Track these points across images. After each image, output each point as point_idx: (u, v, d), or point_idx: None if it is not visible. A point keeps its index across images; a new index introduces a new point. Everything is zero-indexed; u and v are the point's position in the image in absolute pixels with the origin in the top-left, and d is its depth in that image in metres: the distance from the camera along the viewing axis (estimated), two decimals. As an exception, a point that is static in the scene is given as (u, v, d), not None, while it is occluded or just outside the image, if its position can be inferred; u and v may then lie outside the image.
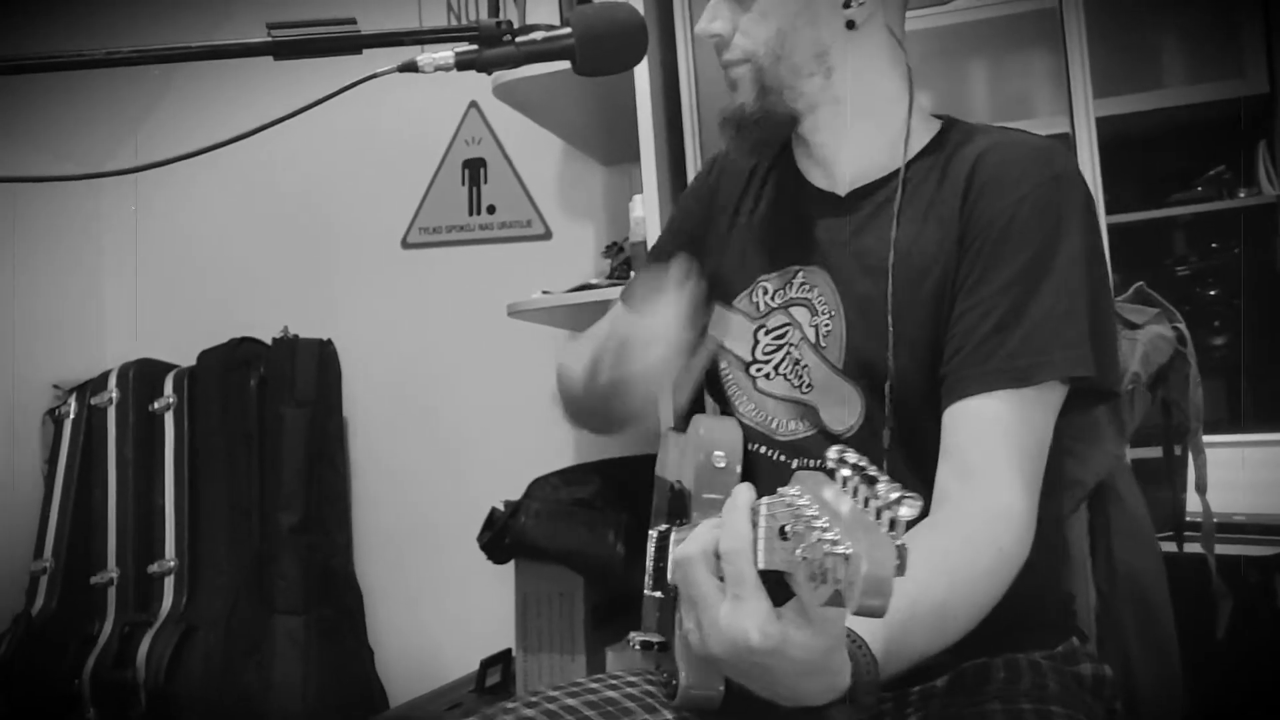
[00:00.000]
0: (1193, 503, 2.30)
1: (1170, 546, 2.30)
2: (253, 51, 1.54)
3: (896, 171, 1.90)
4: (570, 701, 1.82)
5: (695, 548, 1.26)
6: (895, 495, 1.11)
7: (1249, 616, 2.36)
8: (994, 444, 1.63)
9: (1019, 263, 1.69)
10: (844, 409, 1.82)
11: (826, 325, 1.86)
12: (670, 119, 3.48)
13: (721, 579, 1.22)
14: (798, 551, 1.12)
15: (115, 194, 5.28)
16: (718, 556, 1.23)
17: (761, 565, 1.19)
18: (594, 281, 3.81)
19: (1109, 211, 3.03)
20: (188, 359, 4.80)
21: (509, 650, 3.99)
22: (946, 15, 3.36)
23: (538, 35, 1.69)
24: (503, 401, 4.69)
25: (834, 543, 1.07)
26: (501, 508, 3.65)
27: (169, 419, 4.67)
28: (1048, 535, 1.80)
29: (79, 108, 5.10)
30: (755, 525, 1.21)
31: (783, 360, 1.92)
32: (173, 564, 4.51)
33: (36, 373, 4.89)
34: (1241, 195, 3.68)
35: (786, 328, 1.93)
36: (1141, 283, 2.25)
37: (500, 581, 3.82)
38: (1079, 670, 1.83)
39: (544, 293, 3.78)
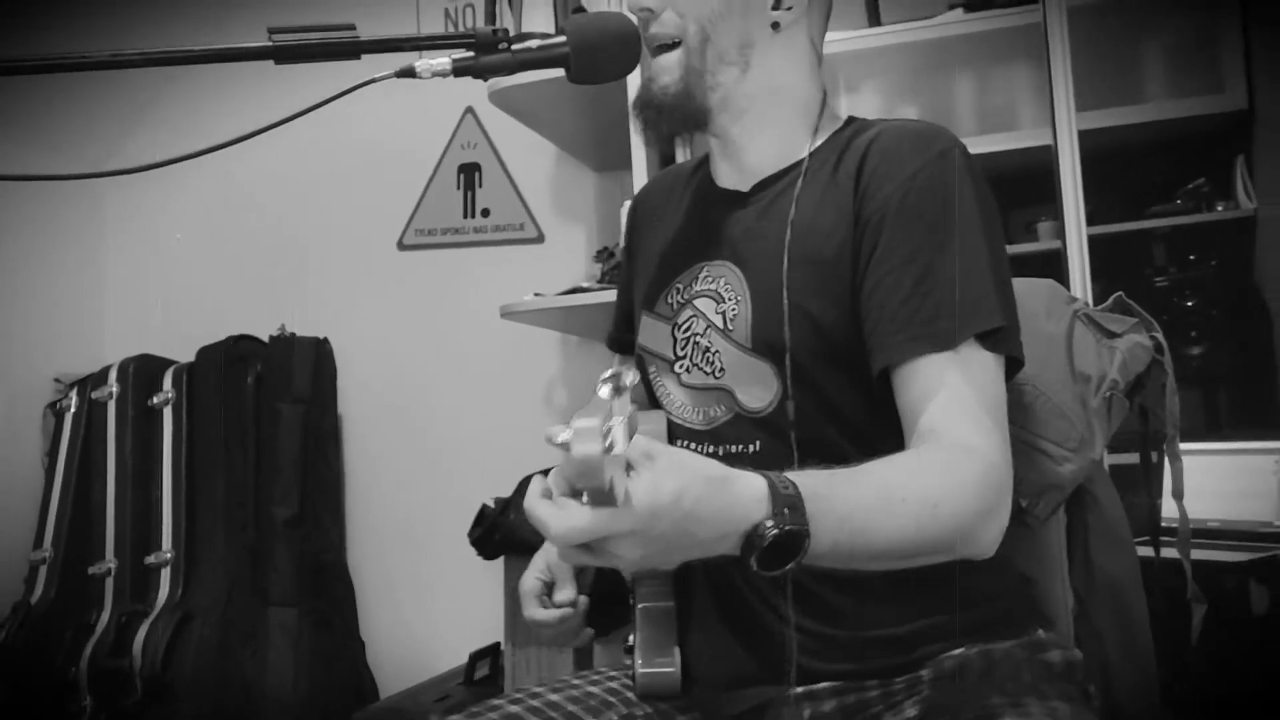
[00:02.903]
0: (1169, 508, 2.29)
1: (1147, 551, 2.30)
2: (254, 55, 1.53)
3: (798, 163, 1.91)
4: (553, 697, 1.83)
5: (533, 494, 1.31)
6: (609, 374, 1.16)
7: (1223, 622, 2.35)
8: (943, 406, 1.63)
9: (919, 234, 1.71)
10: (760, 387, 1.82)
11: (733, 310, 1.87)
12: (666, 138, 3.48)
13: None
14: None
15: (117, 192, 5.27)
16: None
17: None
18: (585, 285, 3.81)
19: (1090, 223, 3.04)
20: (187, 355, 4.80)
21: (498, 644, 3.99)
22: (932, 29, 3.37)
23: (533, 43, 1.69)
24: (495, 400, 4.69)
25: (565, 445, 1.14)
26: (492, 505, 3.65)
27: (168, 414, 4.66)
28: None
29: (81, 107, 5.10)
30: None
31: (693, 351, 1.92)
32: (169, 555, 4.51)
33: (38, 366, 4.89)
34: (1219, 209, 3.68)
35: (692, 319, 1.93)
36: (1120, 293, 2.24)
37: (490, 577, 3.82)
38: (1048, 658, 1.83)
39: (536, 295, 3.78)
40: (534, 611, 2.03)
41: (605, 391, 1.21)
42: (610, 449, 1.11)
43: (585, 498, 1.19)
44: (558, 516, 1.24)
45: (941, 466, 1.55)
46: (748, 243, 1.90)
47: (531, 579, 2.07)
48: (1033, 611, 1.93)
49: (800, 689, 1.78)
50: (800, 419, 1.77)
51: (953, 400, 1.63)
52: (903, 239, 1.72)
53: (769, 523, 1.30)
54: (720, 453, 1.86)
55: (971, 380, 1.65)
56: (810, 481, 1.36)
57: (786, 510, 1.31)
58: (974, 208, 1.73)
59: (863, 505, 1.42)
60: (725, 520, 1.30)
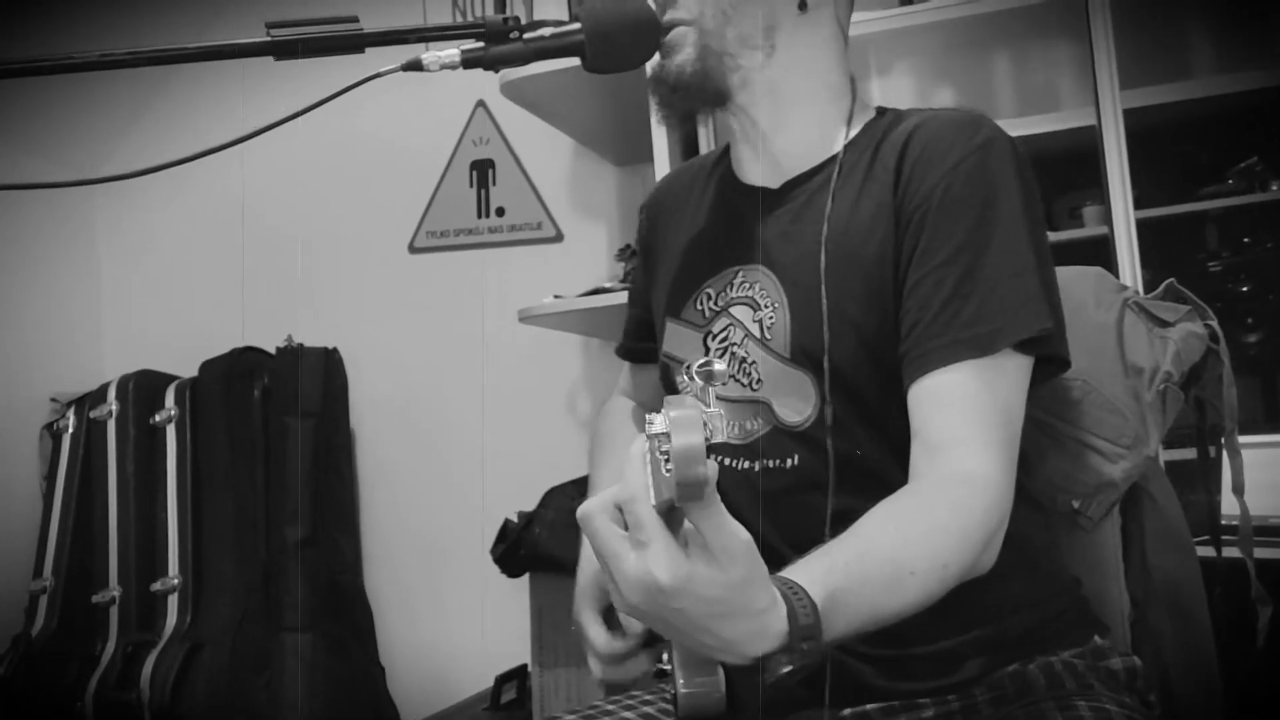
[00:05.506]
0: (1229, 505, 2.28)
1: (1207, 551, 2.29)
2: (252, 52, 1.53)
3: (831, 159, 1.91)
4: (587, 726, 1.82)
5: (596, 503, 1.27)
6: (701, 361, 1.15)
7: (1290, 623, 2.34)
8: (958, 416, 1.63)
9: (962, 231, 1.70)
10: (798, 399, 1.81)
11: (770, 318, 1.86)
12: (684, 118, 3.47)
13: (627, 530, 1.23)
14: (665, 471, 1.15)
15: (112, 199, 5.28)
16: (619, 509, 1.24)
17: (654, 502, 1.21)
18: (607, 285, 3.80)
19: (1138, 206, 3.02)
20: (189, 370, 4.79)
21: (524, 666, 3.99)
22: (971, 6, 3.35)
23: (546, 31, 1.69)
24: (514, 409, 4.69)
25: (662, 437, 1.13)
26: (515, 519, 3.65)
27: (171, 431, 4.67)
28: (1039, 527, 1.89)
29: (73, 111, 5.11)
30: (646, 468, 1.23)
31: (730, 362, 1.91)
32: (176, 581, 4.51)
33: (34, 386, 4.89)
34: (1274, 188, 3.66)
35: (728, 328, 1.92)
36: (1172, 279, 2.23)
37: (515, 595, 3.82)
38: (1110, 666, 1.84)
39: (556, 297, 3.78)
40: (594, 630, 1.90)
41: (699, 380, 1.22)
42: (710, 438, 1.11)
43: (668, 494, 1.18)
44: (642, 559, 1.21)
45: (948, 517, 1.54)
46: (783, 246, 1.89)
47: (591, 580, 1.96)
48: (1088, 617, 1.93)
49: (849, 711, 1.78)
50: (839, 432, 1.76)
51: (970, 414, 1.63)
52: (945, 237, 1.71)
53: (784, 659, 1.28)
54: (757, 467, 1.85)
55: (995, 392, 1.65)
56: (826, 583, 1.33)
57: (804, 644, 1.28)
58: (1019, 202, 1.73)
59: (872, 594, 1.41)
60: (746, 636, 1.28)
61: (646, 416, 1.21)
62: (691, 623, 1.23)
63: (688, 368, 1.23)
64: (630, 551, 1.21)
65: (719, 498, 1.18)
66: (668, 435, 1.12)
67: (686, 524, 1.22)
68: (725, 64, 1.88)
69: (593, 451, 2.31)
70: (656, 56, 1.91)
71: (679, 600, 1.20)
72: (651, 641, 1.87)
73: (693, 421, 1.11)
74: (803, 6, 1.91)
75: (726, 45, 1.88)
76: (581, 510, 1.28)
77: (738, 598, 1.22)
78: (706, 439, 1.11)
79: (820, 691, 1.73)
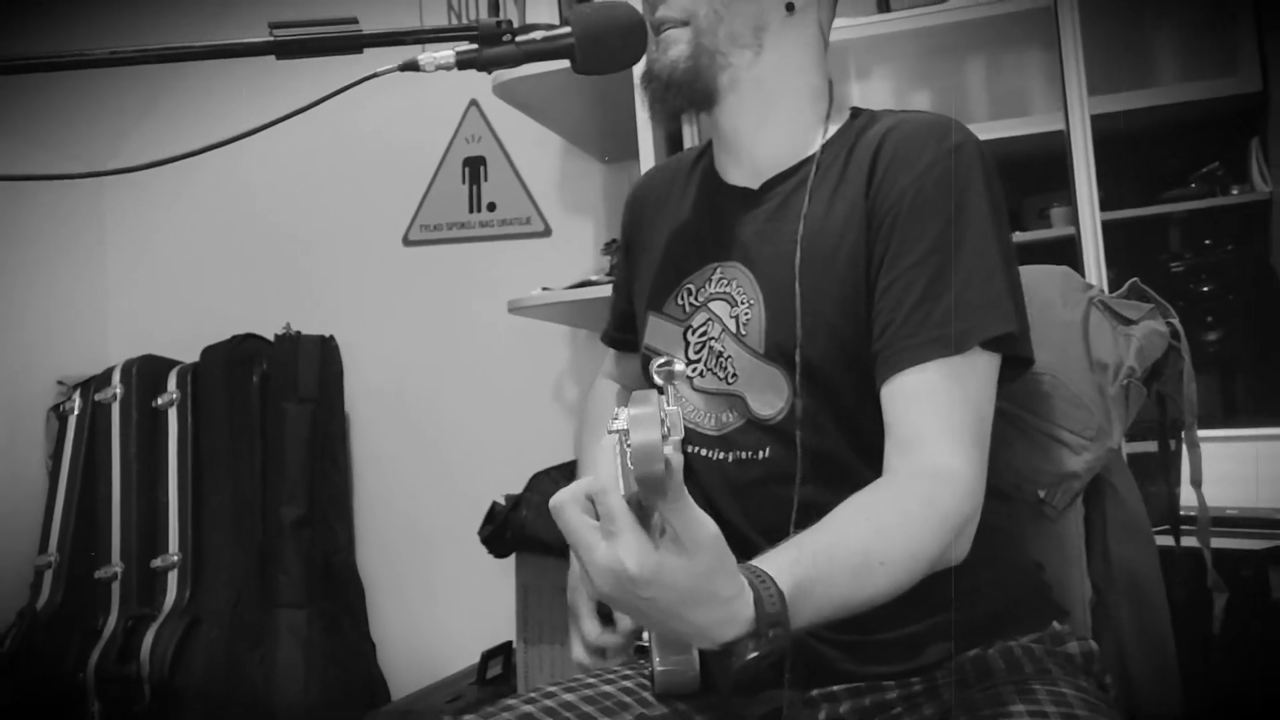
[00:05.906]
0: (1188, 497, 2.29)
1: (1166, 540, 2.30)
2: (255, 51, 1.53)
3: (808, 158, 1.91)
4: (568, 697, 1.81)
5: (568, 494, 1.27)
6: (661, 361, 1.19)
7: (1243, 610, 2.36)
8: (930, 413, 1.64)
9: (932, 234, 1.71)
10: (772, 394, 1.82)
11: (746, 314, 1.86)
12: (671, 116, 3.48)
13: (599, 520, 1.24)
14: (629, 465, 1.15)
15: (118, 191, 5.27)
16: (591, 500, 1.25)
17: (624, 494, 1.21)
18: (593, 278, 3.80)
19: (1104, 208, 3.02)
20: (191, 355, 4.79)
21: (509, 642, 3.99)
22: (943, 14, 3.35)
23: (537, 34, 1.68)
24: (503, 397, 4.69)
25: (624, 433, 1.14)
26: (502, 502, 3.65)
27: (173, 415, 4.66)
28: (1003, 518, 1.87)
29: (80, 106, 5.10)
30: (617, 459, 1.24)
31: (707, 355, 1.92)
32: (176, 558, 4.51)
33: (41, 369, 4.89)
34: (1234, 192, 3.68)
35: (707, 323, 1.93)
36: (1136, 279, 2.24)
37: (501, 575, 3.82)
38: (1068, 650, 1.84)
39: (544, 289, 3.78)
40: (587, 621, 1.91)
41: (659, 379, 1.22)
42: (668, 435, 1.12)
43: (632, 490, 1.18)
44: (612, 548, 1.21)
45: (919, 510, 1.54)
46: (760, 245, 1.89)
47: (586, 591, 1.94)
48: (1047, 603, 1.94)
49: (816, 691, 1.79)
50: (810, 427, 1.77)
51: (942, 411, 1.64)
52: (915, 239, 1.72)
53: (751, 645, 1.28)
54: (730, 458, 1.87)
55: (966, 390, 1.66)
56: (794, 573, 1.34)
57: (770, 631, 1.29)
58: (986, 205, 1.73)
59: (841, 583, 1.41)
60: (715, 623, 1.28)
61: (614, 411, 1.21)
62: (662, 610, 1.23)
63: (651, 364, 1.23)
64: (601, 541, 1.22)
65: (686, 490, 1.19)
66: (629, 432, 1.12)
67: (657, 515, 1.22)
68: (717, 62, 1.88)
69: (580, 433, 2.32)
70: (647, 53, 1.91)
71: (648, 589, 1.20)
72: (640, 633, 1.87)
73: (650, 419, 1.11)
74: (790, 9, 1.91)
75: (719, 44, 1.87)
76: (554, 501, 1.28)
77: (705, 586, 1.23)
78: (665, 436, 1.11)
79: (790, 673, 1.74)
